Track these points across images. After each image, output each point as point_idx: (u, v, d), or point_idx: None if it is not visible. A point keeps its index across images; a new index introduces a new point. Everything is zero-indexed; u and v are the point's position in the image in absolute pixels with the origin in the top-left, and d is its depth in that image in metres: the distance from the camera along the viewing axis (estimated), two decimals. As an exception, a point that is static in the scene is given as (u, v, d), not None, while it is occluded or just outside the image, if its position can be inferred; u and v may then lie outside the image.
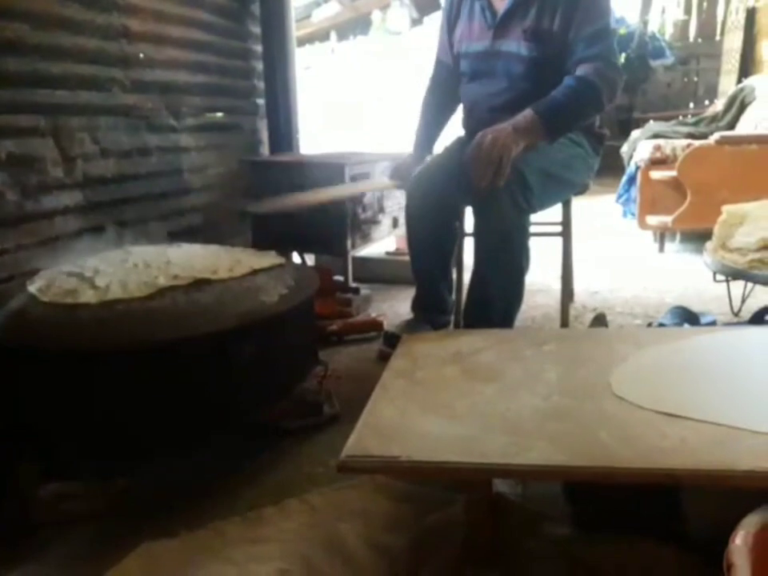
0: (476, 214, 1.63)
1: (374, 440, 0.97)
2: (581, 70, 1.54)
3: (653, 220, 3.10)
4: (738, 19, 5.30)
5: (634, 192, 3.32)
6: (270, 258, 1.54)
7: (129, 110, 2.15)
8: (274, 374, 1.40)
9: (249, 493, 1.28)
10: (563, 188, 1.79)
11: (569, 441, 0.91)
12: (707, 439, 0.88)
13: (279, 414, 1.51)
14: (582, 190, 1.91)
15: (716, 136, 2.95)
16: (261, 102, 2.89)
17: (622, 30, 6.83)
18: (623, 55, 6.73)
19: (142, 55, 2.22)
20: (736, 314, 2.07)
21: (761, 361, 1.15)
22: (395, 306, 2.49)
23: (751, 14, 5.07)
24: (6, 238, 1.72)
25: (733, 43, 5.31)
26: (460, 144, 1.82)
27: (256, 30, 2.85)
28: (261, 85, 2.88)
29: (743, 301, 2.05)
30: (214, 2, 2.60)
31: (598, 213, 4.17)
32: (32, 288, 1.32)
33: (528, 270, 1.64)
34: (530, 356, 1.26)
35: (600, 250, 3.30)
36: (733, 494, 0.86)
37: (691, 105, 6.79)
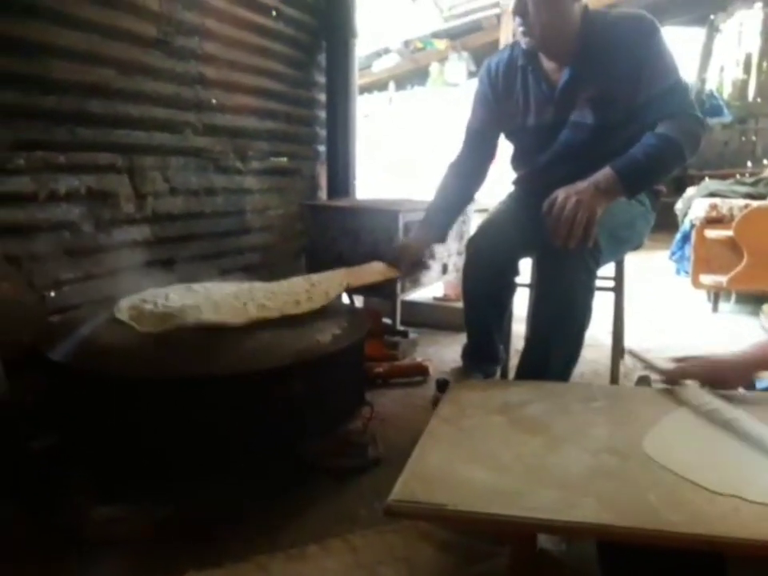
0: (542, 273, 1.61)
1: (420, 486, 0.98)
2: (661, 127, 1.49)
3: (707, 279, 3.05)
4: (799, 80, 5.25)
5: (688, 250, 3.28)
6: (338, 278, 1.63)
7: (199, 151, 2.27)
8: (323, 412, 1.43)
9: (291, 528, 1.31)
10: (625, 246, 1.78)
11: (617, 500, 0.91)
12: (760, 508, 0.86)
13: (324, 453, 1.54)
14: (638, 246, 1.90)
15: (775, 197, 2.91)
16: (322, 148, 3.01)
17: (680, 88, 6.82)
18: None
19: (214, 101, 2.35)
20: (793, 381, 2.00)
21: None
22: (441, 352, 2.51)
23: (813, 76, 5.02)
24: (78, 267, 1.83)
25: (794, 104, 5.24)
26: (517, 201, 1.82)
27: (321, 79, 2.99)
28: (323, 132, 3.00)
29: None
30: (283, 53, 2.74)
31: (651, 269, 4.12)
32: (120, 315, 1.40)
33: (588, 328, 1.61)
34: (578, 411, 1.26)
35: (652, 307, 3.26)
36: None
37: (749, 164, 6.69)
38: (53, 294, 1.73)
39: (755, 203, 3.01)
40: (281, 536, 1.28)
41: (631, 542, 0.87)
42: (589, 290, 1.53)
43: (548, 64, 1.66)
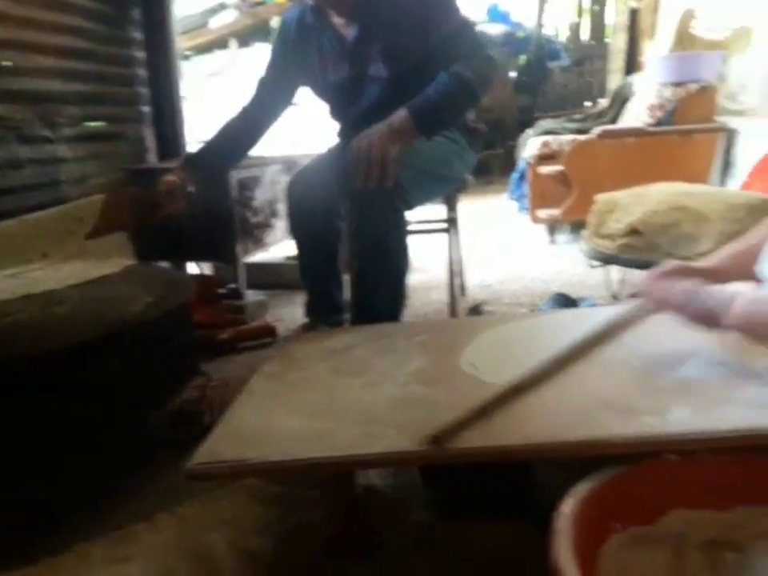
0: (352, 216, 1.61)
1: (229, 445, 0.95)
2: (454, 67, 1.53)
3: (543, 213, 3.22)
4: (622, 21, 5.58)
5: (526, 188, 3.43)
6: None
7: (-4, 121, 2.04)
8: (145, 386, 1.36)
9: (121, 510, 1.24)
10: (440, 184, 1.81)
11: (418, 427, 0.92)
12: (540, 413, 0.91)
13: (158, 426, 1.47)
14: (461, 185, 1.95)
15: (597, 130, 3.09)
16: (147, 109, 2.81)
17: (520, 34, 7.11)
18: (523, 58, 7.00)
19: (10, 63, 2.11)
20: (615, 297, 2.17)
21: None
22: (295, 311, 2.47)
23: (634, 15, 5.35)
24: None
25: (619, 44, 5.58)
26: (337, 149, 1.81)
27: (138, 36, 2.77)
28: (146, 92, 2.79)
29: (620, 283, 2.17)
30: (88, 7, 2.49)
31: (497, 209, 4.28)
32: None
33: (408, 268, 1.64)
34: (401, 348, 1.27)
35: (496, 245, 3.40)
36: (582, 468, 0.89)
37: (588, 103, 7.10)
38: None
39: (581, 137, 3.19)
40: (109, 520, 1.21)
41: (428, 464, 0.89)
42: (398, 229, 1.56)
43: (338, 20, 1.65)
